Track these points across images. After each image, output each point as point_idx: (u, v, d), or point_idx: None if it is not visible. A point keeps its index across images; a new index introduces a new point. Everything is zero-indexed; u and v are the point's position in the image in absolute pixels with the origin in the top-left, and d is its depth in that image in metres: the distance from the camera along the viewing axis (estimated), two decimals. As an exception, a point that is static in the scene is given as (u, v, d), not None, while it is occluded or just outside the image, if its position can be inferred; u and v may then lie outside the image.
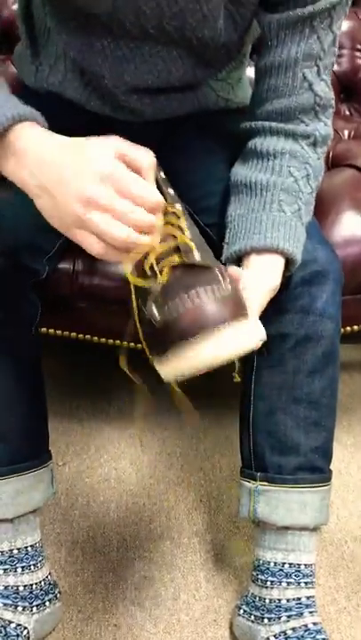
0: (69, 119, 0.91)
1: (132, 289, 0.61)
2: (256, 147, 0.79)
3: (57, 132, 0.90)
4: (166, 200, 0.63)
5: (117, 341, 1.00)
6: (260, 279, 0.71)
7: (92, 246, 0.55)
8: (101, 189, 0.54)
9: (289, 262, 0.74)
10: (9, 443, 0.78)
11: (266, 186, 0.76)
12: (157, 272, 0.59)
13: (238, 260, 0.75)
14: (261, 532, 0.83)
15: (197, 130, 0.93)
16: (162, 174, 0.66)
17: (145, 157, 0.58)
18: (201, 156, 0.91)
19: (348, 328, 1.06)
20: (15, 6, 1.28)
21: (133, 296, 0.61)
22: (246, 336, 0.59)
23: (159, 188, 0.63)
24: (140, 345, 0.62)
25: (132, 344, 0.67)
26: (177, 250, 0.61)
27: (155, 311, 0.58)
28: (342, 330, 1.03)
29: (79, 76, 0.89)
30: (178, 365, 0.58)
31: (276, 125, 0.78)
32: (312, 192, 0.79)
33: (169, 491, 1.11)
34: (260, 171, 0.77)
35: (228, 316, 0.57)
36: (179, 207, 0.64)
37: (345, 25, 1.35)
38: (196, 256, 0.60)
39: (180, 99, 0.90)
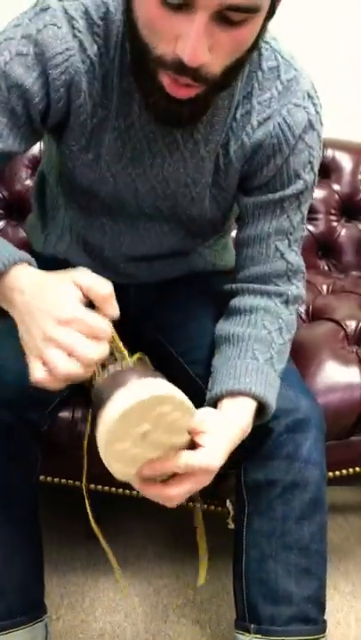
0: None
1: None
2: (235, 305, 0.88)
3: None
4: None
5: (113, 489, 1.03)
6: (229, 419, 0.76)
7: (36, 371, 0.62)
8: (59, 330, 0.61)
9: (264, 407, 0.80)
10: (5, 596, 0.78)
11: (242, 337, 0.84)
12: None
13: (215, 404, 0.81)
14: None
15: (187, 289, 1.03)
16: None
17: (104, 287, 0.63)
18: (190, 313, 1.00)
19: (338, 472, 1.08)
20: (27, 182, 1.45)
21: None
22: (154, 386, 0.61)
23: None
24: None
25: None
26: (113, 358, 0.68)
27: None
28: (331, 474, 1.06)
29: (82, 246, 1.00)
30: (105, 434, 0.60)
31: (253, 286, 0.88)
32: (285, 343, 0.86)
33: (165, 646, 1.08)
34: (238, 324, 0.86)
35: (134, 378, 0.62)
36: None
37: (320, 193, 1.54)
38: (123, 363, 0.67)
39: (172, 264, 1.01)
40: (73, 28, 0.74)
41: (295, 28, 1.47)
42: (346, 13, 1.65)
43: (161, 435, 0.64)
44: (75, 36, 0.74)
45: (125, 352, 0.70)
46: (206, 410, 0.76)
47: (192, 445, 0.68)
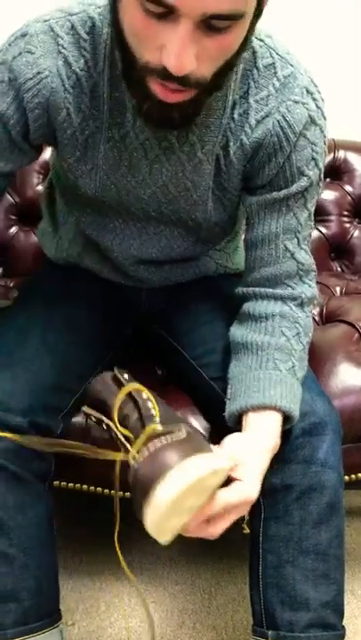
0: (86, 285, 1.02)
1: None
2: (249, 310, 0.87)
3: (74, 296, 1.00)
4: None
5: (127, 494, 1.02)
6: (259, 441, 0.76)
7: None
8: None
9: (287, 417, 0.79)
10: (21, 602, 0.77)
11: (260, 345, 0.83)
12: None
13: (239, 417, 0.80)
14: None
15: (199, 292, 1.02)
16: (125, 375, 0.73)
17: None
18: (203, 316, 1.00)
19: (353, 476, 1.07)
20: (38, 187, 1.46)
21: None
22: (200, 466, 0.60)
23: (120, 383, 0.71)
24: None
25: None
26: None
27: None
28: (348, 478, 1.05)
29: (94, 250, 1.00)
30: (154, 518, 0.60)
31: (265, 290, 0.87)
32: (304, 349, 0.85)
33: (181, 652, 1.07)
34: (255, 331, 0.85)
35: (183, 457, 0.61)
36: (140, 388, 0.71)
37: (332, 195, 1.53)
38: (158, 426, 0.65)
39: (182, 268, 1.00)
40: (57, 44, 0.77)
41: (306, 29, 1.46)
42: (358, 13, 1.65)
43: (201, 498, 0.64)
44: (59, 52, 0.77)
45: (153, 406, 0.68)
46: (234, 437, 0.75)
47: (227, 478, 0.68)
